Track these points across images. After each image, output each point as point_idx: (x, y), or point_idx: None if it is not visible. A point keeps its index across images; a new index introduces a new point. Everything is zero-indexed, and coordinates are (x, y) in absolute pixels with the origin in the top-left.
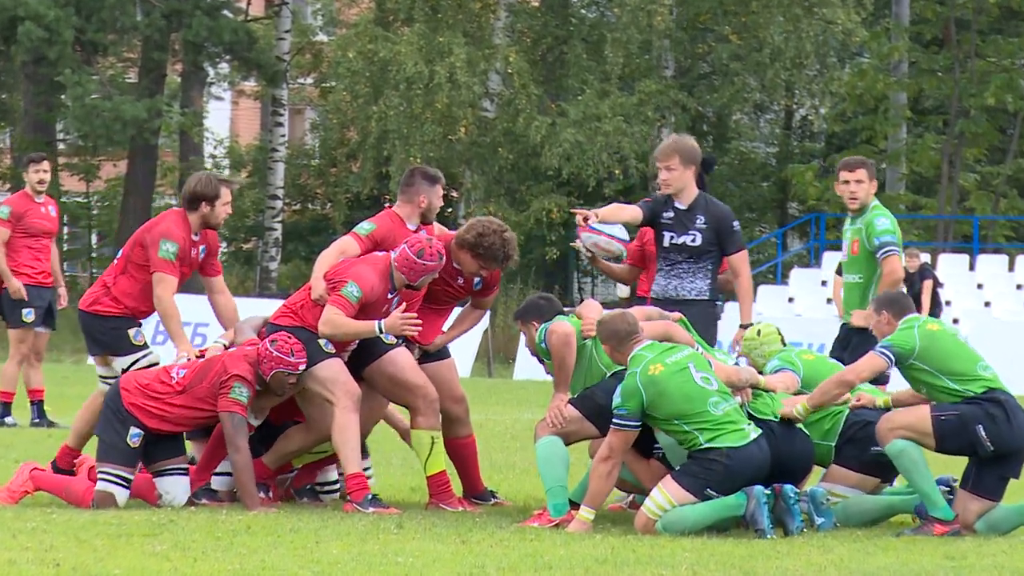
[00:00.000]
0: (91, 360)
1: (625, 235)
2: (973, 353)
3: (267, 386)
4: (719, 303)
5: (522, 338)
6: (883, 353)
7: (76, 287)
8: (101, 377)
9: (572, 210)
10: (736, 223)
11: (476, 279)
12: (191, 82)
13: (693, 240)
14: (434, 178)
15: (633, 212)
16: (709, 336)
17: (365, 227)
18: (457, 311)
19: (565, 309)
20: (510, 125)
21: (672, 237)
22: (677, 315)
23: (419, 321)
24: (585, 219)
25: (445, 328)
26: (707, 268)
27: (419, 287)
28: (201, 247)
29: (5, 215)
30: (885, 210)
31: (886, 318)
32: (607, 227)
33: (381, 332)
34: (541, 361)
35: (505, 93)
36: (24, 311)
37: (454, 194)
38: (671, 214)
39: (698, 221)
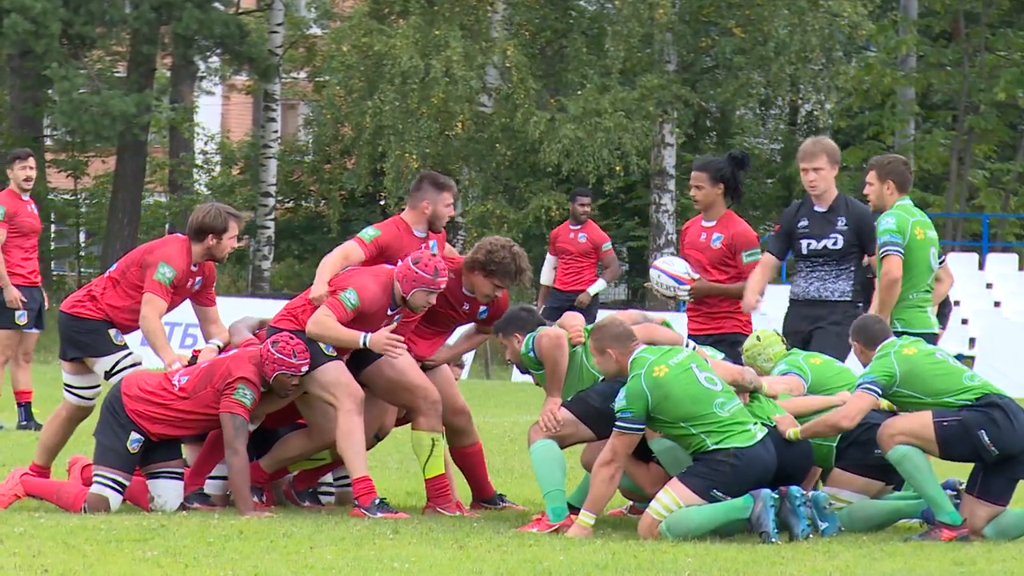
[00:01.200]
0: (63, 367)
1: (691, 274)
2: (955, 367)
3: (270, 388)
4: (861, 305)
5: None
6: (869, 389)
7: (64, 286)
8: (67, 387)
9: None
10: (875, 223)
11: (481, 308)
12: (181, 76)
13: (834, 243)
14: (442, 185)
15: (770, 264)
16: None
17: (370, 232)
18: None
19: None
20: (508, 120)
21: (810, 244)
22: (660, 318)
23: (404, 345)
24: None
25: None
26: (849, 269)
27: (414, 307)
28: (197, 278)
29: (0, 215)
30: (901, 209)
31: (859, 347)
32: (671, 266)
33: (365, 346)
34: (525, 372)
35: (503, 88)
36: (17, 314)
37: None
38: (806, 221)
39: (839, 223)
